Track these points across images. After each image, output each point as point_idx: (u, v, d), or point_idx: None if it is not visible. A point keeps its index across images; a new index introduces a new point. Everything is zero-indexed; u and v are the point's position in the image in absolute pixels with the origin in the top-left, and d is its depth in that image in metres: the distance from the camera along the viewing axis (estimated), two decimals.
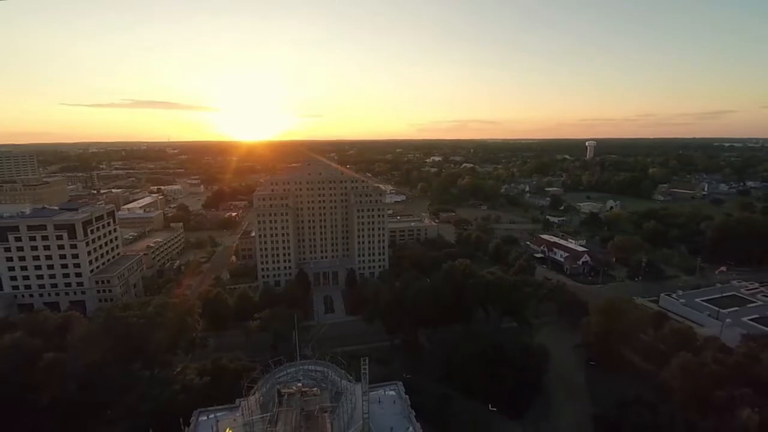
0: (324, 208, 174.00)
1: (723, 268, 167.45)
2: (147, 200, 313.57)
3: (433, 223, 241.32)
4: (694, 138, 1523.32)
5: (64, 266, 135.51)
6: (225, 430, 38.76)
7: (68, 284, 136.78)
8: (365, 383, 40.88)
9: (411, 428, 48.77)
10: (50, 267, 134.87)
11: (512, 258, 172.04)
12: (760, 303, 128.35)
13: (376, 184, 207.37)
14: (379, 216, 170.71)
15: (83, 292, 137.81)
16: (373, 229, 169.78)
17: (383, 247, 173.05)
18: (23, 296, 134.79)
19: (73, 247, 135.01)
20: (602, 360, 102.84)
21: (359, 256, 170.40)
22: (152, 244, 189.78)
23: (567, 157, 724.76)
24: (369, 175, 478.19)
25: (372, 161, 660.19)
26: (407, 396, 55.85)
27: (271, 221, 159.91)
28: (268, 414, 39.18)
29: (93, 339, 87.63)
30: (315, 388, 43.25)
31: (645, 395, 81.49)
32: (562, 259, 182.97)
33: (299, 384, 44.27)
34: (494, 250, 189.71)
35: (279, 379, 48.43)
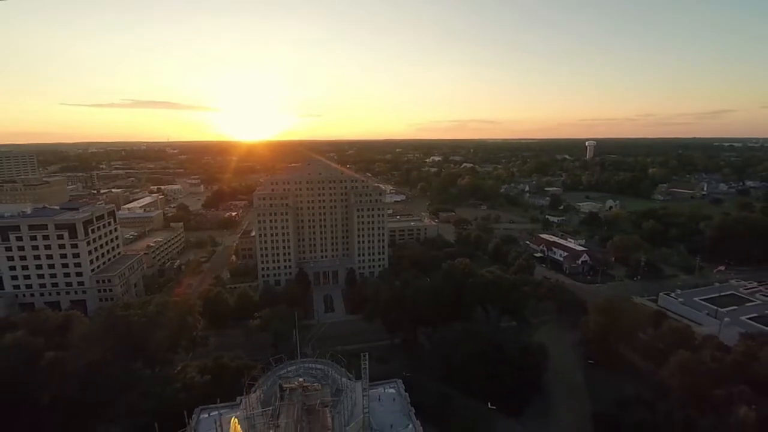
0: (324, 207, 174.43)
1: (721, 268, 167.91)
2: (147, 200, 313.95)
3: (433, 223, 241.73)
4: (694, 138, 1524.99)
5: (65, 265, 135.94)
6: (228, 425, 39.13)
7: (69, 283, 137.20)
8: (365, 378, 41.33)
9: (411, 425, 49.19)
10: (51, 266, 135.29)
11: (512, 257, 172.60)
12: (758, 302, 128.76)
13: (375, 184, 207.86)
14: (378, 215, 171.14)
15: (84, 292, 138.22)
16: (372, 229, 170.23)
17: (383, 247, 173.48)
18: (24, 295, 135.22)
19: (74, 246, 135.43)
20: (601, 358, 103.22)
21: (359, 255, 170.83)
22: (152, 244, 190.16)
23: (567, 156, 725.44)
24: (369, 174, 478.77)
25: (372, 161, 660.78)
26: (407, 393, 56.30)
27: (271, 221, 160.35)
28: (270, 408, 39.64)
29: (94, 338, 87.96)
30: (316, 384, 43.77)
31: (644, 393, 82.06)
32: (561, 259, 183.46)
33: (300, 379, 44.81)
34: (494, 250, 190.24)
35: (280, 376, 48.94)
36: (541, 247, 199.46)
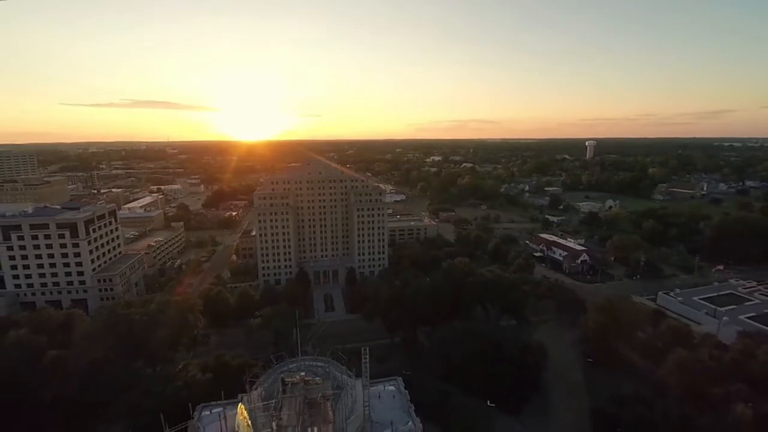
0: (324, 207, 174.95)
1: (720, 267, 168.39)
2: (147, 200, 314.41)
3: (433, 223, 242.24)
4: (694, 138, 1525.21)
5: (66, 265, 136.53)
6: (233, 420, 39.69)
7: (70, 283, 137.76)
8: (366, 373, 41.84)
9: (410, 422, 49.66)
10: (52, 266, 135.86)
11: (511, 257, 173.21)
12: (757, 301, 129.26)
13: (375, 184, 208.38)
14: (378, 215, 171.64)
15: (85, 291, 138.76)
16: (372, 228, 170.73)
17: (383, 246, 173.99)
18: (25, 295, 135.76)
19: (75, 245, 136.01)
20: (600, 357, 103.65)
21: (359, 254, 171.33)
22: (153, 243, 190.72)
23: (567, 156, 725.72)
24: (368, 174, 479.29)
25: (371, 161, 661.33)
26: (406, 391, 56.78)
27: (271, 220, 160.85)
28: (273, 401, 40.20)
29: (96, 336, 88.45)
30: (318, 378, 44.35)
31: (642, 392, 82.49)
32: (561, 258, 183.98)
33: (302, 373, 45.41)
34: (493, 249, 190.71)
35: (282, 371, 49.57)
36: (540, 246, 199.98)
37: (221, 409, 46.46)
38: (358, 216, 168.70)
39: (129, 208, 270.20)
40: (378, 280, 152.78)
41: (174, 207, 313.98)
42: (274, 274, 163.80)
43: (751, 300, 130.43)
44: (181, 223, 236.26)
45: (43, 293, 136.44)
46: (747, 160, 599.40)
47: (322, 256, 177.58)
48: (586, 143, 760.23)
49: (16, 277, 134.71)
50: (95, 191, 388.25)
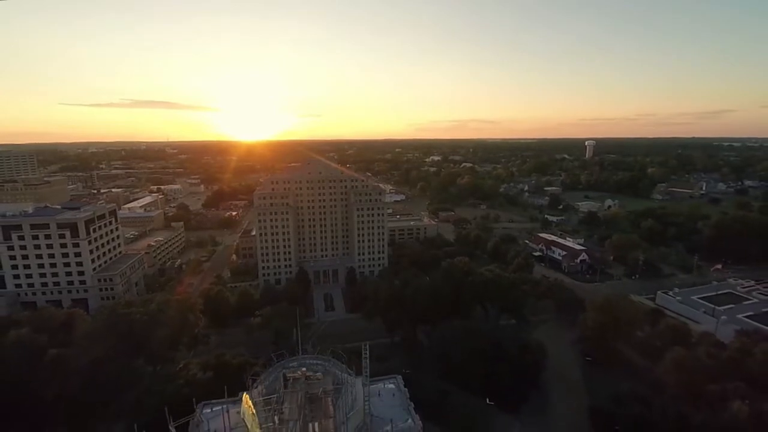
0: (324, 207, 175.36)
1: (718, 266, 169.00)
2: (147, 200, 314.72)
3: (433, 222, 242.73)
4: (694, 138, 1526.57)
5: (67, 264, 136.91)
6: (235, 417, 40.12)
7: (71, 282, 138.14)
8: (366, 368, 42.29)
9: (410, 419, 50.09)
10: (53, 265, 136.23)
11: (511, 256, 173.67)
12: (755, 300, 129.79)
13: (375, 184, 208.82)
14: (378, 215, 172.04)
15: (86, 290, 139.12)
16: (372, 228, 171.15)
17: (383, 246, 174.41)
18: (26, 294, 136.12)
19: (76, 245, 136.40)
20: (599, 356, 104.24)
21: (359, 254, 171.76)
22: (153, 243, 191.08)
23: (566, 156, 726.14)
24: (368, 174, 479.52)
25: (371, 161, 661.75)
26: (406, 389, 57.21)
27: (271, 220, 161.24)
28: (275, 395, 40.67)
29: (97, 336, 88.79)
30: (318, 373, 44.81)
31: (640, 390, 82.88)
32: (560, 258, 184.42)
33: (303, 369, 45.91)
34: (493, 249, 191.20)
35: (283, 365, 50.08)
36: (540, 246, 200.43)
37: (223, 407, 46.86)
38: (358, 216, 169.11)
39: (129, 208, 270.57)
40: (378, 280, 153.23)
41: (174, 207, 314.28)
42: (274, 273, 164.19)
43: (750, 299, 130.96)
44: (181, 223, 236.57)
45: (43, 293, 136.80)
46: (746, 160, 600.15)
47: (322, 256, 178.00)
48: (586, 143, 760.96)
49: (16, 276, 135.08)
50: (95, 191, 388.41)
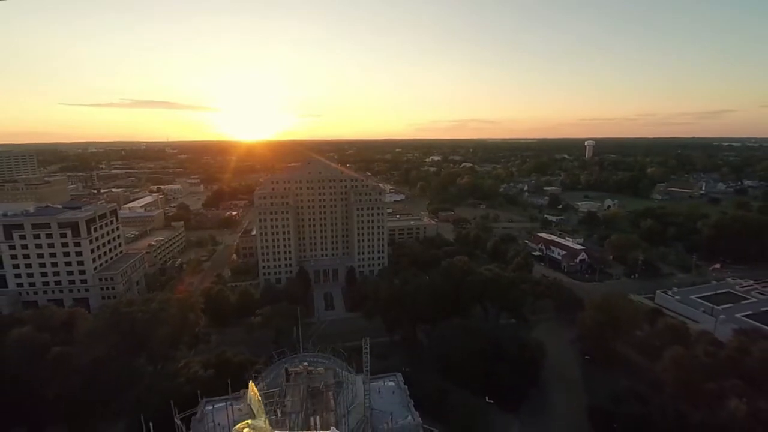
0: (324, 206, 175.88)
1: (717, 266, 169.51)
2: (147, 199, 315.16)
3: (432, 222, 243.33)
4: (694, 138, 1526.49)
5: (68, 264, 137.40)
6: (237, 413, 40.62)
7: (72, 281, 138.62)
8: (366, 363, 42.81)
9: (410, 416, 50.59)
10: (54, 264, 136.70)
11: (510, 256, 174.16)
12: (753, 300, 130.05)
13: (375, 183, 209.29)
14: (378, 215, 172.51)
15: (87, 290, 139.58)
16: (372, 228, 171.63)
17: (383, 246, 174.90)
18: (27, 293, 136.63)
19: (77, 245, 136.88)
20: (597, 355, 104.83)
21: (359, 254, 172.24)
22: (154, 243, 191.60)
23: (566, 156, 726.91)
24: (368, 174, 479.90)
25: (371, 161, 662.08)
26: (406, 386, 57.71)
27: (271, 219, 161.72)
28: (277, 389, 41.21)
29: (98, 334, 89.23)
30: (320, 368, 45.36)
31: (639, 388, 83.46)
32: (559, 257, 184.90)
33: (305, 363, 46.45)
34: (492, 249, 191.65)
35: (286, 360, 50.68)
36: (539, 245, 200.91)
37: (226, 403, 47.36)
38: (358, 215, 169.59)
39: (129, 208, 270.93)
40: (378, 279, 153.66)
41: (174, 207, 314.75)
42: (275, 273, 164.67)
43: (748, 298, 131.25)
44: (182, 222, 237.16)
45: (45, 292, 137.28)
46: (746, 159, 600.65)
47: (322, 255, 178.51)
48: (586, 143, 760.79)
49: (18, 276, 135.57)
50: (95, 191, 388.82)
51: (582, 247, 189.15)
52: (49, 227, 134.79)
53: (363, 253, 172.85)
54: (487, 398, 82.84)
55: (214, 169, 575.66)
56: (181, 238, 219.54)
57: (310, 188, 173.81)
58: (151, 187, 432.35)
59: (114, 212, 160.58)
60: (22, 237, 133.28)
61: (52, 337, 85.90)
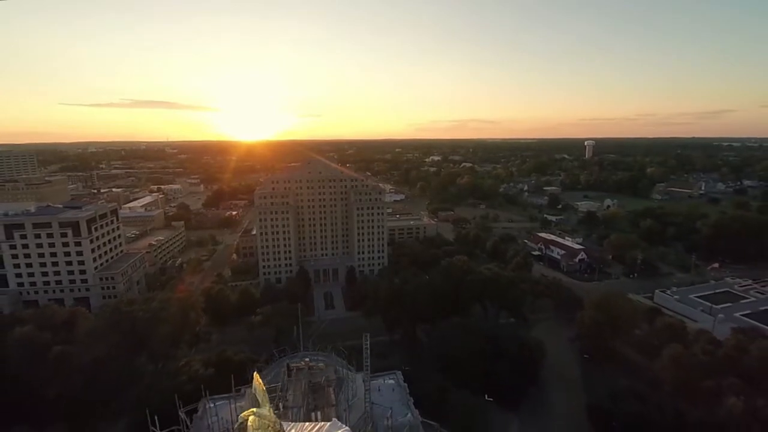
0: (324, 206, 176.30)
1: (715, 265, 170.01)
2: (148, 199, 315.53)
3: (432, 222, 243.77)
4: (694, 137, 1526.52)
5: (69, 263, 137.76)
6: (238, 411, 41.05)
7: (72, 281, 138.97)
8: (366, 357, 43.22)
9: (409, 413, 50.97)
10: (55, 264, 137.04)
11: (510, 255, 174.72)
12: (752, 299, 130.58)
13: (375, 183, 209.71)
14: (378, 214, 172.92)
15: (87, 289, 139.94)
16: (372, 227, 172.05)
17: (382, 245, 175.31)
18: (28, 293, 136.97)
19: (78, 244, 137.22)
20: (596, 353, 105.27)
21: (359, 253, 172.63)
22: (154, 242, 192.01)
23: (566, 156, 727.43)
24: (368, 174, 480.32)
25: (371, 161, 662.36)
26: (405, 384, 58.08)
27: (272, 219, 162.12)
28: (279, 383, 41.65)
29: (99, 334, 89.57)
30: (321, 363, 45.81)
31: (637, 386, 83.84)
32: (559, 257, 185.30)
33: (307, 359, 46.88)
34: (492, 248, 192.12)
35: (288, 356, 51.16)
36: (539, 245, 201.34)
37: (230, 400, 47.67)
38: (358, 215, 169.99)
39: (130, 208, 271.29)
40: (378, 279, 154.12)
41: (174, 206, 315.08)
42: (275, 272, 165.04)
43: (747, 298, 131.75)
44: (182, 222, 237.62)
45: (45, 291, 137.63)
46: (745, 159, 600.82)
47: (322, 255, 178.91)
48: (585, 143, 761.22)
49: (18, 275, 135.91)
50: (95, 191, 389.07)
51: (581, 247, 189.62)
52: (50, 227, 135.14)
53: (363, 253, 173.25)
54: (486, 396, 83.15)
55: (214, 169, 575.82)
56: (181, 238, 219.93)
57: (310, 188, 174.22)
58: (151, 187, 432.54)
59: (114, 212, 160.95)
60: (23, 236, 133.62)
61: (53, 336, 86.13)
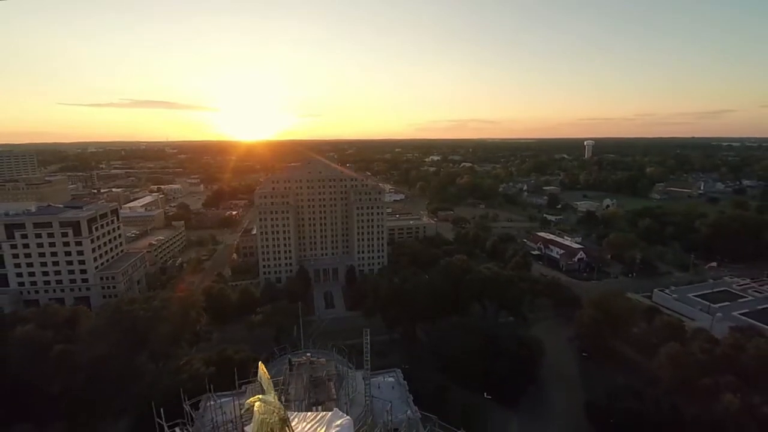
0: (324, 206, 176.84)
1: (714, 264, 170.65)
2: (148, 199, 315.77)
3: (432, 222, 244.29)
4: (693, 137, 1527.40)
5: (70, 263, 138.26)
6: (238, 409, 41.57)
7: (73, 281, 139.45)
8: (366, 352, 43.76)
9: (409, 411, 51.45)
10: (56, 263, 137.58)
11: (509, 255, 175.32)
12: (750, 298, 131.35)
13: (375, 183, 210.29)
14: (378, 214, 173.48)
15: (88, 289, 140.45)
16: (372, 227, 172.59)
17: (382, 245, 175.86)
18: (29, 293, 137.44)
19: (78, 244, 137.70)
20: (595, 352, 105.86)
21: (359, 253, 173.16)
22: (154, 242, 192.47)
23: (565, 156, 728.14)
24: (368, 174, 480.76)
25: (371, 160, 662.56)
26: (405, 382, 58.58)
27: (272, 219, 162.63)
28: (281, 377, 42.22)
29: (100, 332, 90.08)
30: (322, 359, 46.39)
31: (635, 384, 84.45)
32: (558, 256, 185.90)
33: (308, 354, 47.46)
34: (491, 248, 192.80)
35: (290, 352, 51.82)
36: (538, 245, 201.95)
37: (232, 397, 48.19)
38: (358, 215, 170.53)
39: (130, 208, 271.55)
40: (377, 278, 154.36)
41: (174, 206, 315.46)
42: (275, 272, 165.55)
43: (745, 297, 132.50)
44: (182, 222, 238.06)
45: (46, 291, 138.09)
46: (744, 159, 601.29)
47: (322, 255, 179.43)
48: (585, 143, 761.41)
49: (19, 275, 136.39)
50: (95, 191, 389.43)
51: (580, 246, 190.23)
52: (51, 226, 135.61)
53: (363, 252, 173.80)
54: (485, 395, 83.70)
55: (214, 168, 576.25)
56: (181, 238, 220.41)
57: (310, 188, 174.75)
58: (151, 186, 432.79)
59: (115, 212, 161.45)
60: (24, 236, 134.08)
61: (54, 335, 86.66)
